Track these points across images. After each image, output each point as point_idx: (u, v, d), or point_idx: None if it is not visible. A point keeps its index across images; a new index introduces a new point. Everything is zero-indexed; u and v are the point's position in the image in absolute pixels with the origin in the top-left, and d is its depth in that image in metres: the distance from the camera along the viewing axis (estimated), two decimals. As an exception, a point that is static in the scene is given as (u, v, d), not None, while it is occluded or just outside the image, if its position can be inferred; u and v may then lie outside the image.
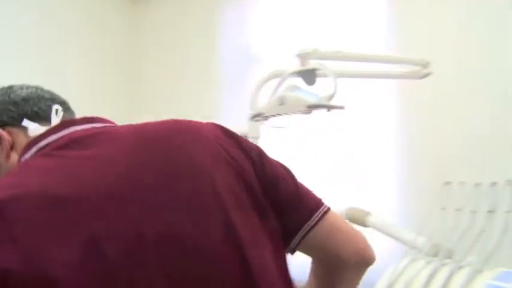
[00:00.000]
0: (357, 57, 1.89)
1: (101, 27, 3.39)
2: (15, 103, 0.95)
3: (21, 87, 0.98)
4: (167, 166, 0.82)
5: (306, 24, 2.74)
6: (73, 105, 1.04)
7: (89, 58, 3.25)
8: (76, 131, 0.88)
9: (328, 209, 0.97)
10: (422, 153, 2.32)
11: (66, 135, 0.87)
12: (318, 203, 0.97)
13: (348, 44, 2.50)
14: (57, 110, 0.96)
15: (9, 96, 0.96)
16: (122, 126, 0.92)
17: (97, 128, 0.90)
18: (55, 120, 0.94)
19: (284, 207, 0.92)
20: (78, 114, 0.99)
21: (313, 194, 0.99)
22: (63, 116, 0.96)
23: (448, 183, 1.49)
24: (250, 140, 1.87)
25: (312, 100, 1.46)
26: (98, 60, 3.34)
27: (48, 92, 1.01)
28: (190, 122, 0.93)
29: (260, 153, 0.94)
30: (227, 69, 3.15)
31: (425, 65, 1.93)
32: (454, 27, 2.30)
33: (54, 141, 0.86)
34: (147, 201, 0.77)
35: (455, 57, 2.24)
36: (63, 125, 0.90)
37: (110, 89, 3.41)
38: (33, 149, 0.86)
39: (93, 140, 0.85)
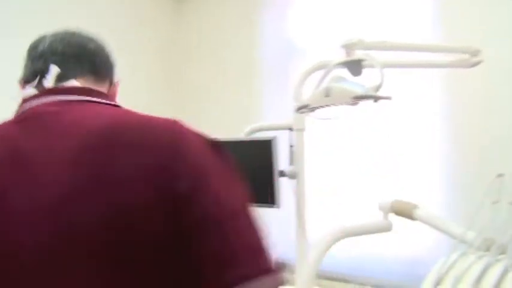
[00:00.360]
0: (403, 46, 1.85)
1: (146, 24, 3.48)
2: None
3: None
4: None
5: (349, 15, 2.69)
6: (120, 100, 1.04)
7: (134, 54, 3.33)
8: (39, 105, 0.83)
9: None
10: (470, 144, 2.25)
11: (33, 107, 0.83)
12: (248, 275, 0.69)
13: (394, 33, 2.45)
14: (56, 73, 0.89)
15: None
16: (77, 113, 0.81)
17: (60, 103, 0.83)
18: (47, 83, 0.88)
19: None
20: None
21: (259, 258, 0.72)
22: (58, 79, 0.88)
23: (501, 175, 1.44)
24: (296, 132, 1.88)
25: (359, 91, 1.44)
26: (142, 56, 3.43)
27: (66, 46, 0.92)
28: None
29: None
30: (269, 62, 3.15)
31: (475, 53, 1.86)
32: (505, 12, 2.21)
33: (24, 111, 0.84)
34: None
35: (507, 44, 2.15)
36: (43, 93, 0.86)
37: (154, 82, 3.53)
38: (18, 112, 0.86)
39: (41, 125, 0.79)
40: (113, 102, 0.90)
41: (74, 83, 0.89)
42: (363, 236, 1.73)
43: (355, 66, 1.58)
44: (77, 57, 0.92)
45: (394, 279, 2.41)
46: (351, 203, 2.58)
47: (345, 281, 2.57)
